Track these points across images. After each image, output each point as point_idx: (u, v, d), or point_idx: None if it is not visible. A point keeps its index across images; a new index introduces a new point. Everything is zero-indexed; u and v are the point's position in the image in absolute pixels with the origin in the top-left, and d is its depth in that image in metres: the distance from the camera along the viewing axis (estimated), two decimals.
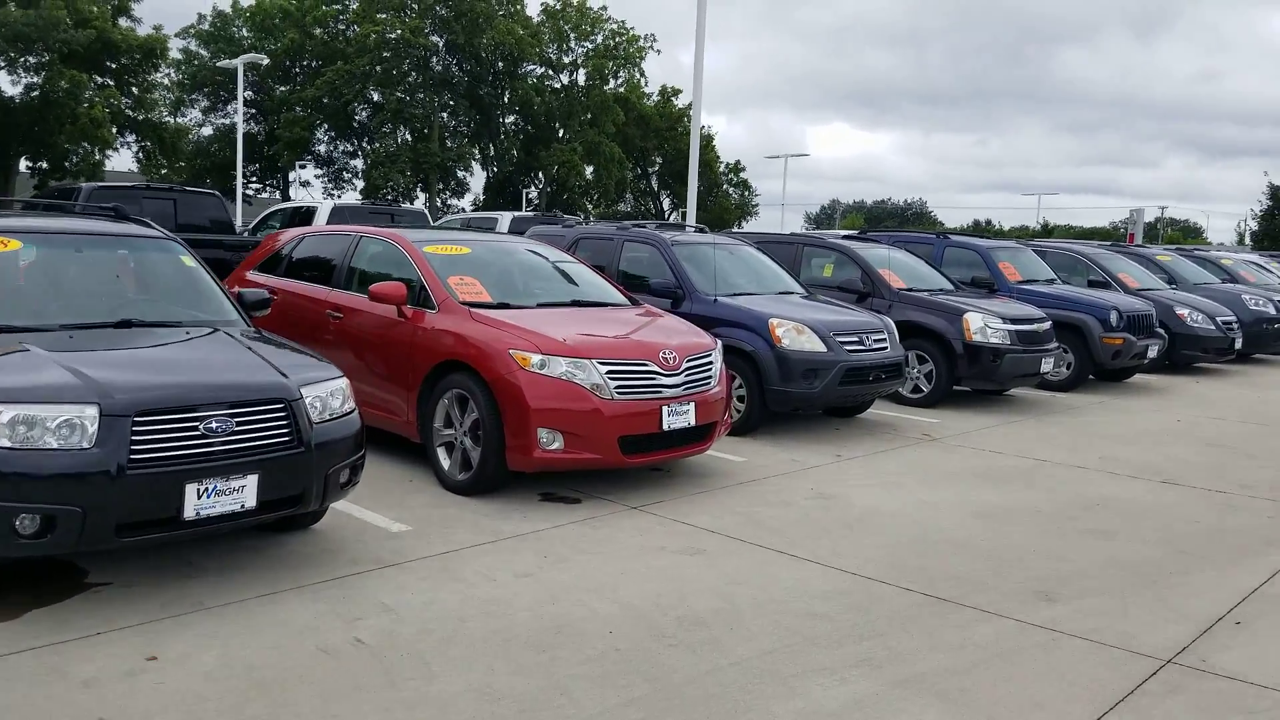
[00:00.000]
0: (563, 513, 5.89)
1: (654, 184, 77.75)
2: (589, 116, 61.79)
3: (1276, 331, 15.38)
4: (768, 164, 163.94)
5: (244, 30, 60.51)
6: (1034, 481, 7.16)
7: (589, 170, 65.33)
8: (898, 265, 11.27)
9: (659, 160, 75.06)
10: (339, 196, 64.61)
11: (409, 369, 6.50)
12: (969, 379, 10.14)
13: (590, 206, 69.54)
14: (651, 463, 6.31)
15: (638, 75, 63.79)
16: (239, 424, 4.25)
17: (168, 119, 53.95)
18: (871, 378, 8.45)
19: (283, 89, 61.01)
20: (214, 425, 4.17)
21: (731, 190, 78.16)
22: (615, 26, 60.94)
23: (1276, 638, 4.35)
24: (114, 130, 50.24)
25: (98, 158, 49.02)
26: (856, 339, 8.46)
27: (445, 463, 6.27)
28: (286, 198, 61.02)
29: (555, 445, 5.84)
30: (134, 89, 52.90)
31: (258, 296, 5.72)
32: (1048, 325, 10.65)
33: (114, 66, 51.41)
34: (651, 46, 62.16)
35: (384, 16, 54.18)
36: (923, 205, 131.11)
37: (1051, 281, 12.94)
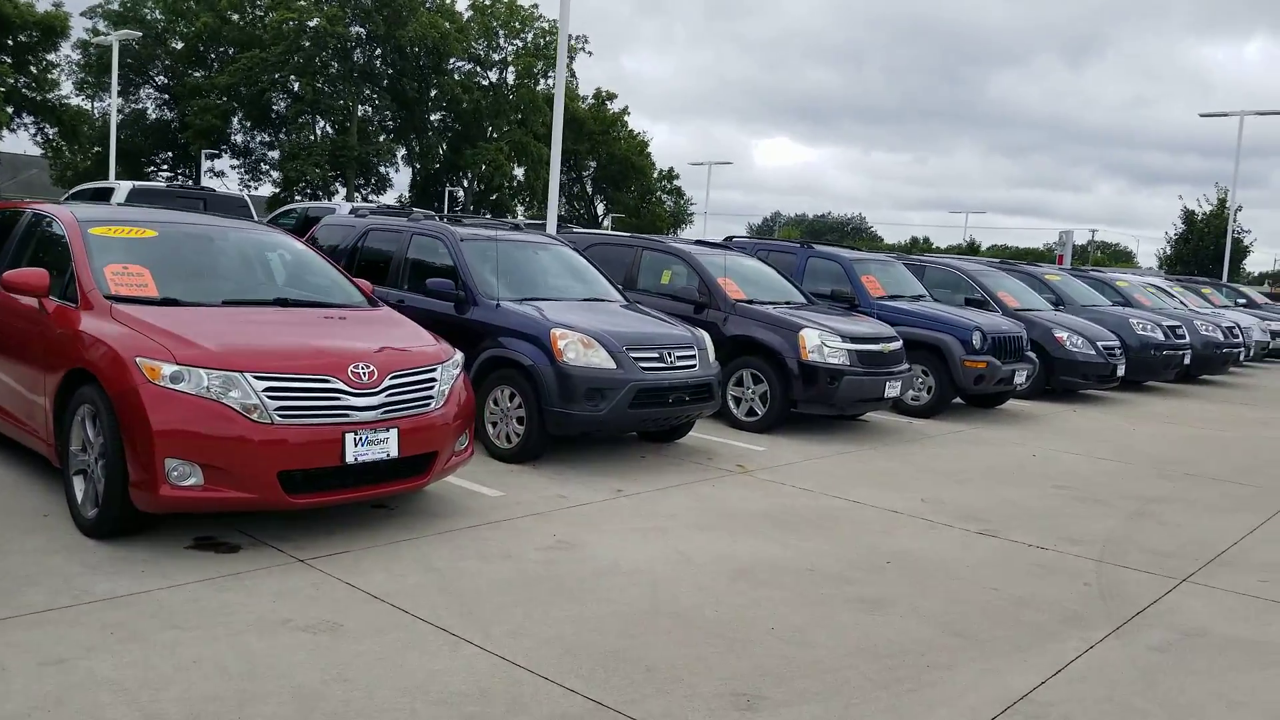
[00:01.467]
0: (202, 565, 4.65)
1: (588, 188, 76.64)
2: (519, 116, 60.46)
3: (1163, 358, 14.68)
4: (712, 173, 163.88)
5: (156, 12, 57.92)
6: (831, 529, 6.09)
7: (519, 171, 63.98)
8: (741, 274, 10.22)
9: (593, 164, 73.98)
10: (255, 188, 62.42)
11: (42, 376, 5.21)
12: (805, 402, 9.10)
13: (521, 209, 68.17)
14: (328, 503, 5.08)
15: (568, 76, 62.52)
16: None
17: (68, 100, 51.30)
18: (671, 400, 7.33)
19: (199, 74, 58.61)
20: None
21: (665, 198, 77.33)
22: (546, 25, 59.68)
23: None
24: (9, 111, 47.67)
25: None
26: (656, 355, 7.34)
27: (79, 495, 4.99)
28: (198, 185, 58.69)
29: (191, 480, 4.59)
30: (32, 68, 50.39)
31: None
32: (898, 345, 9.66)
33: (10, 44, 48.90)
34: (583, 48, 61.09)
35: (302, 3, 52.23)
36: (862, 220, 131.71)
37: (919, 298, 12.01)
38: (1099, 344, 13.01)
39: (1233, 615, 4.99)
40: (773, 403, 9.11)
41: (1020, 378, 11.11)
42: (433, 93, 58.10)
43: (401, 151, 62.82)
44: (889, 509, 6.67)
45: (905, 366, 9.68)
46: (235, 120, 58.25)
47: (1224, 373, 17.25)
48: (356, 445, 4.94)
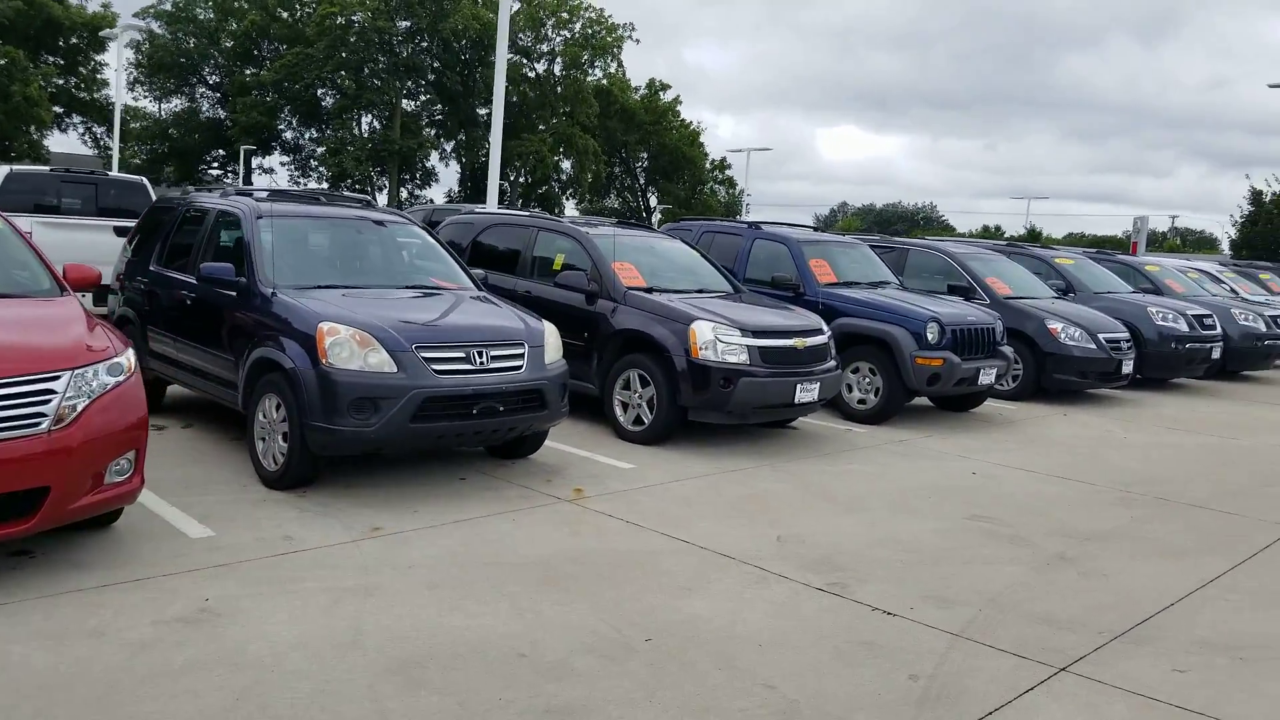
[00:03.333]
0: None
1: (640, 180, 75.32)
2: (567, 109, 59.39)
3: (1186, 352, 12.77)
4: (777, 165, 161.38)
5: (209, 11, 58.26)
6: (612, 586, 4.67)
7: (566, 164, 62.95)
8: (647, 258, 8.80)
9: (644, 155, 72.61)
10: (304, 184, 62.57)
11: None
12: (696, 409, 7.64)
13: (571, 202, 67.25)
14: None
15: (614, 66, 61.21)
16: None
17: (114, 100, 51.72)
18: (478, 411, 5.95)
19: (250, 72, 58.87)
20: None
21: (719, 188, 75.53)
22: (593, 15, 58.45)
23: None
24: (55, 110, 48.32)
25: (35, 137, 47.02)
26: (462, 355, 5.97)
27: None
28: (248, 184, 58.96)
29: None
30: (81, 69, 51.08)
31: None
32: (819, 340, 8.13)
33: (62, 46, 49.54)
34: (630, 36, 59.64)
35: None
36: (933, 209, 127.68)
37: (879, 285, 10.39)
38: (1101, 336, 11.22)
39: None
40: (660, 409, 7.68)
41: (987, 377, 9.43)
42: (478, 86, 57.27)
43: (449, 145, 62.43)
44: (722, 553, 5.22)
45: (829, 365, 8.15)
46: (281, 117, 58.43)
47: (1268, 367, 15.16)
48: None
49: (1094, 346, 11.10)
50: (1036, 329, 11.12)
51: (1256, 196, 36.07)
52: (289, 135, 62.11)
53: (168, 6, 56.95)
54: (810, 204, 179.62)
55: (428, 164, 59.94)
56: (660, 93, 68.33)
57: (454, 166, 65.06)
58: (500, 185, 65.82)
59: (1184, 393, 12.96)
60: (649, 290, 8.23)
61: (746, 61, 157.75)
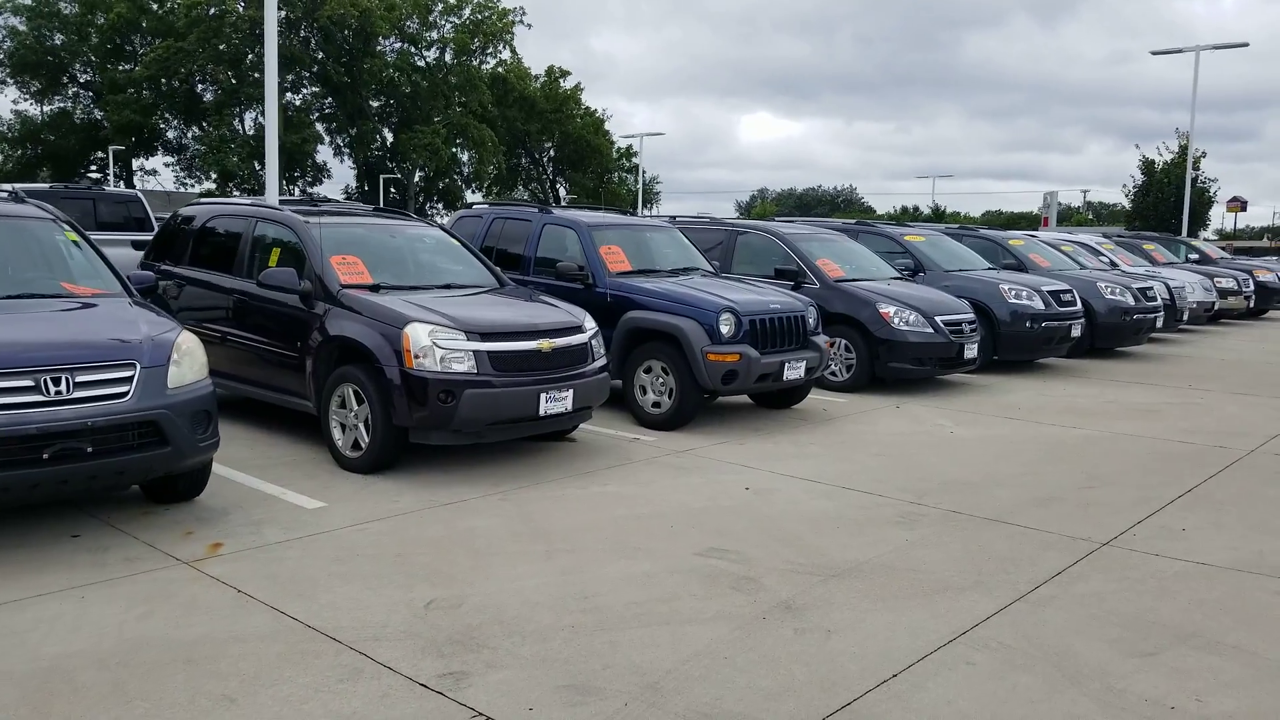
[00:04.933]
0: None
1: (548, 170, 73.71)
2: (462, 99, 57.50)
3: (1042, 331, 11.88)
4: (695, 153, 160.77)
5: (73, 5, 54.93)
6: (83, 712, 3.37)
7: (465, 156, 61.10)
8: (380, 251, 7.49)
9: (549, 146, 71.04)
10: (192, 186, 59.65)
11: None
12: (417, 430, 6.34)
13: (478, 195, 65.25)
14: None
15: (506, 52, 59.47)
16: None
17: None
18: (49, 455, 4.55)
19: (122, 69, 55.75)
20: None
21: (627, 176, 74.27)
22: (481, 0, 56.62)
23: None
24: None
25: None
26: (31, 384, 4.59)
27: None
28: (130, 187, 55.88)
29: None
30: None
31: None
32: (575, 341, 6.89)
33: None
34: (520, 20, 57.97)
35: None
36: (852, 192, 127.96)
37: (683, 272, 9.21)
38: (939, 319, 10.21)
39: None
40: (375, 432, 6.37)
41: (794, 371, 8.31)
42: (363, 76, 55.07)
43: (342, 140, 60.02)
44: (329, 634, 3.94)
45: (590, 368, 6.92)
46: (160, 115, 55.48)
47: (1140, 342, 14.41)
48: None
49: (931, 330, 10.09)
50: (869, 314, 10.06)
51: (1148, 166, 35.86)
52: (171, 135, 59.22)
53: (28, 1, 53.54)
54: (731, 191, 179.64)
55: (317, 159, 57.54)
56: (560, 80, 66.82)
57: (349, 162, 62.78)
58: (397, 180, 63.22)
59: (1042, 374, 12.07)
60: (374, 288, 6.91)
61: (655, 49, 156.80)
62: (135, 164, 60.13)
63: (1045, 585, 4.66)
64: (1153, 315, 14.07)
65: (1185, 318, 16.82)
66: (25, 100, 56.12)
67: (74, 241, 6.21)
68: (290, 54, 52.49)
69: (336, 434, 6.64)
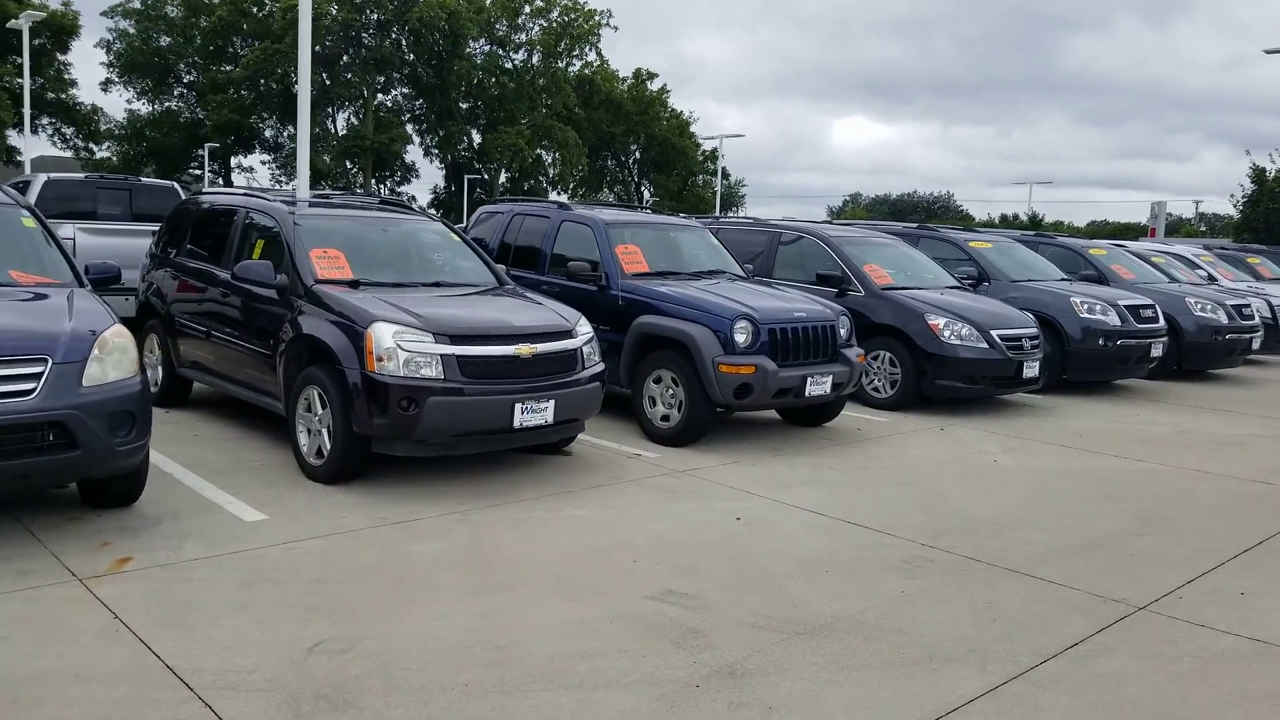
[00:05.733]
0: None
1: (633, 173, 73.40)
2: (549, 101, 57.64)
3: (1117, 350, 10.80)
4: (786, 157, 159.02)
5: (178, 8, 56.84)
6: None
7: (548, 157, 61.20)
8: (366, 246, 7.02)
9: (634, 148, 70.70)
10: (286, 184, 61.12)
11: None
12: (381, 440, 5.83)
13: (563, 195, 65.34)
14: None
15: (592, 54, 59.32)
16: None
17: (82, 101, 50.30)
18: None
19: (224, 70, 57.47)
20: None
21: (713, 179, 73.44)
22: (569, 2, 56.62)
23: None
24: (15, 111, 46.98)
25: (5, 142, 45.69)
26: None
27: None
28: (228, 184, 57.50)
29: None
30: (48, 70, 49.69)
31: None
32: (562, 347, 6.28)
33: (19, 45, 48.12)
34: (607, 23, 57.79)
35: None
36: (950, 198, 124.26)
37: (708, 275, 8.53)
38: (996, 333, 9.30)
39: None
40: (337, 439, 5.89)
41: (818, 386, 7.54)
42: (452, 78, 55.63)
43: (432, 140, 60.76)
44: (184, 677, 3.42)
45: (578, 377, 6.31)
46: (258, 114, 57.03)
47: (1234, 365, 13.11)
48: None
49: (986, 346, 9.19)
50: (916, 326, 9.22)
51: (1259, 175, 33.45)
52: (269, 134, 60.85)
53: (136, 4, 55.59)
54: (823, 196, 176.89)
55: (406, 159, 58.39)
56: (647, 82, 66.44)
57: (437, 162, 63.57)
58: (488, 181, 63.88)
59: (1116, 397, 10.99)
60: (354, 284, 6.43)
61: (746, 52, 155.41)
62: (233, 161, 61.89)
63: (1054, 660, 3.87)
64: (1249, 335, 12.78)
65: None
66: (137, 100, 58.40)
67: (31, 229, 5.89)
68: (381, 55, 53.41)
69: (302, 439, 6.17)
